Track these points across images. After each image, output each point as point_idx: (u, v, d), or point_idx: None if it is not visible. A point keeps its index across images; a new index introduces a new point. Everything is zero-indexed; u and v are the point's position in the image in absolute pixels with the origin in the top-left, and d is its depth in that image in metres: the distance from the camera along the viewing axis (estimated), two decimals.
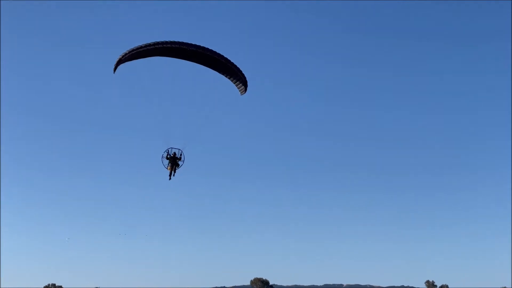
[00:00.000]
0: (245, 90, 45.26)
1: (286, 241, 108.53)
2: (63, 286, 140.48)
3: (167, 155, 44.03)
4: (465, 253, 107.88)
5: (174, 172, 44.19)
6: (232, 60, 43.48)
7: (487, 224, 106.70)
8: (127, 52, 40.31)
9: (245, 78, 44.29)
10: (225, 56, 42.91)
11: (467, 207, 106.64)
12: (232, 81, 45.09)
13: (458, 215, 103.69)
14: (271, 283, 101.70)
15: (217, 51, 42.55)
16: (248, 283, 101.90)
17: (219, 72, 44.29)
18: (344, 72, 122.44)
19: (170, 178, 44.29)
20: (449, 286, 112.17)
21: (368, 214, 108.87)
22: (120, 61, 40.42)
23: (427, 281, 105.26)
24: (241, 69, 44.16)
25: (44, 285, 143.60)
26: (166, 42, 40.88)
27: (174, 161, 44.01)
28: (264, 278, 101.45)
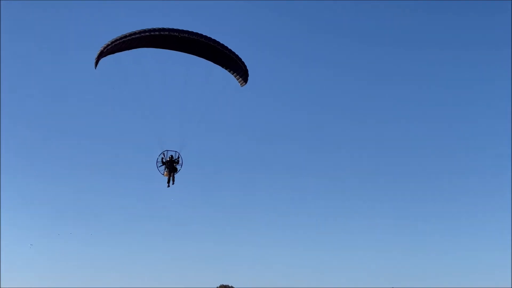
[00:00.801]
0: (246, 80, 40.06)
1: (253, 247, 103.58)
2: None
3: (162, 159, 38.73)
4: (466, 255, 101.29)
5: (173, 178, 38.86)
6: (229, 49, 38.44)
7: (487, 226, 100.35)
8: (109, 43, 35.11)
9: (245, 66, 39.10)
10: (221, 42, 37.82)
11: (467, 209, 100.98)
12: (230, 71, 39.90)
13: (458, 217, 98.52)
14: None
15: (212, 37, 37.47)
16: None
17: (215, 61, 39.10)
18: (343, 76, 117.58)
19: (168, 185, 38.97)
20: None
21: (339, 219, 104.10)
22: (102, 54, 35.20)
23: None
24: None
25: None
26: (154, 30, 35.70)
27: (171, 166, 38.71)
28: (230, 285, 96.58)
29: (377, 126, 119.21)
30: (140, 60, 37.41)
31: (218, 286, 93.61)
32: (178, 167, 38.93)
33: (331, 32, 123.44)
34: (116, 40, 35.04)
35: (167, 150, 38.61)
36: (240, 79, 40.08)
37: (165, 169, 38.77)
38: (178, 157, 38.86)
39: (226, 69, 39.53)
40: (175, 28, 36.39)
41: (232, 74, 39.96)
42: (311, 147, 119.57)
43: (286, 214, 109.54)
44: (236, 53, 38.45)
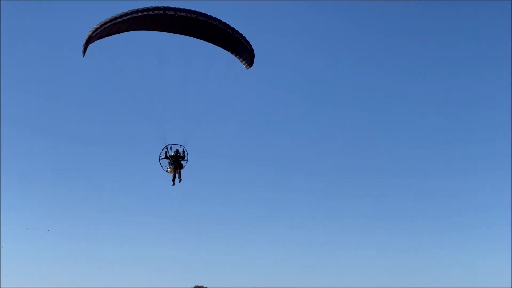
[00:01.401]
0: (252, 62, 36.26)
1: (229, 247, 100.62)
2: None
3: (166, 153, 34.75)
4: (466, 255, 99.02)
5: (180, 176, 34.89)
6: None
7: (487, 225, 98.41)
8: (98, 26, 31.20)
9: (250, 46, 35.28)
10: (222, 20, 34.00)
11: (467, 208, 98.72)
12: (233, 53, 36.09)
13: (457, 217, 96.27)
14: None
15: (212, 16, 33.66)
16: None
17: (217, 42, 35.29)
18: (344, 72, 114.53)
19: (173, 184, 35.01)
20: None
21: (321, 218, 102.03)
22: (91, 39, 31.22)
23: None
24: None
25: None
26: (147, 9, 31.87)
27: (176, 161, 34.76)
28: (205, 286, 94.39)
29: (375, 123, 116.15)
30: (134, 45, 33.55)
31: (193, 287, 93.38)
32: (183, 162, 35.02)
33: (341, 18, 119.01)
34: (106, 22, 31.15)
35: (171, 144, 34.71)
36: (244, 61, 36.30)
37: (169, 166, 34.83)
38: (184, 151, 34.95)
39: (228, 50, 35.72)
40: (170, 6, 32.59)
41: (236, 56, 36.17)
42: (316, 142, 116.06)
43: (271, 212, 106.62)
44: (240, 31, 34.71)
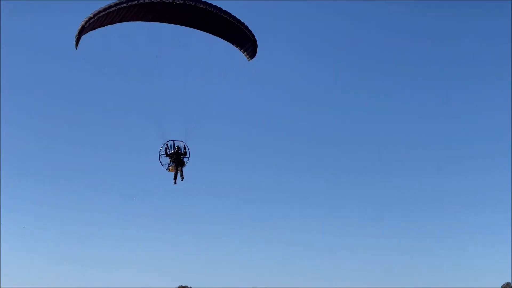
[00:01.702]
0: (254, 53, 34.42)
1: (213, 247, 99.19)
2: None
3: (166, 150, 32.85)
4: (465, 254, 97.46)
5: (182, 174, 32.96)
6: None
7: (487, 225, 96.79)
8: (91, 16, 29.40)
9: (253, 36, 33.45)
10: (223, 9, 32.22)
11: (466, 209, 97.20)
12: (235, 44, 34.27)
13: (458, 217, 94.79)
14: None
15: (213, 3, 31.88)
16: None
17: (218, 33, 33.50)
18: (344, 72, 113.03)
19: (175, 182, 33.09)
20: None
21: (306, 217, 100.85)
22: (84, 30, 29.42)
23: None
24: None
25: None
26: None
27: (178, 159, 32.83)
28: (189, 286, 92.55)
29: (375, 124, 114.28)
30: (130, 37, 31.80)
31: (177, 286, 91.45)
32: (185, 159, 33.12)
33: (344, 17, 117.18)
34: (99, 12, 29.37)
35: (171, 140, 32.83)
36: (246, 52, 34.46)
37: (170, 163, 32.92)
38: (185, 148, 33.05)
39: (229, 41, 33.90)
40: None
41: (237, 47, 34.34)
42: (314, 142, 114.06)
43: (271, 212, 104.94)
44: (242, 20, 32.89)
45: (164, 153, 32.74)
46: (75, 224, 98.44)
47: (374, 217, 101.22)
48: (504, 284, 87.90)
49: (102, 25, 30.35)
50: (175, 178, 32.92)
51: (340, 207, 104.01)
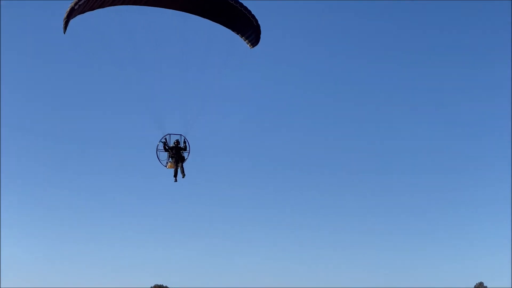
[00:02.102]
0: (257, 40, 32.03)
1: (188, 246, 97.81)
2: None
3: (165, 144, 30.17)
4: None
5: (182, 170, 30.27)
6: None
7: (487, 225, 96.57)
8: None
9: (257, 21, 31.05)
10: None
11: (467, 208, 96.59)
12: (235, 30, 31.88)
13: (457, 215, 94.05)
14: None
15: None
16: None
17: (217, 18, 31.11)
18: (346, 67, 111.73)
19: (176, 180, 30.40)
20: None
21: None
22: (72, 12, 26.78)
23: None
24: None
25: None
26: None
27: (177, 154, 30.18)
28: (164, 285, 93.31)
29: (375, 126, 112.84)
30: (124, 23, 29.24)
31: (152, 285, 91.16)
32: (185, 155, 30.48)
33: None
34: None
35: (170, 134, 30.18)
36: (248, 40, 32.06)
37: (168, 159, 30.24)
38: (185, 142, 30.42)
39: (230, 27, 31.51)
40: None
41: (238, 34, 31.94)
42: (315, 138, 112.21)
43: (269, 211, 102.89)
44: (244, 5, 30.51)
45: (162, 148, 30.07)
46: (65, 224, 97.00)
47: (371, 216, 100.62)
48: (476, 284, 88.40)
49: (92, 8, 27.77)
50: (175, 175, 30.24)
51: (340, 206, 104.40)
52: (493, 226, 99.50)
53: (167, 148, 30.06)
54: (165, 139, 30.00)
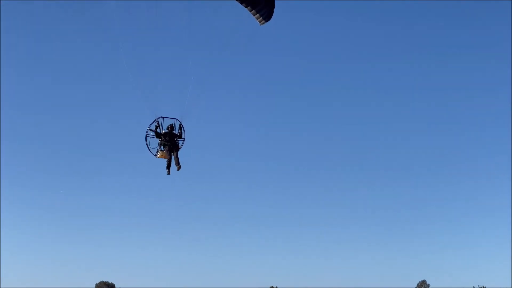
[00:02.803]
0: (270, 15, 27.32)
1: (134, 242, 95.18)
2: None
3: (157, 128, 24.92)
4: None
5: (177, 160, 24.98)
6: None
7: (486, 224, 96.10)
8: None
9: None
10: None
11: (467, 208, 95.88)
12: (244, 4, 27.16)
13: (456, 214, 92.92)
14: (117, 286, 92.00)
15: None
16: (93, 286, 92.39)
17: None
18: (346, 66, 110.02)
19: (169, 172, 25.08)
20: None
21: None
22: None
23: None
24: None
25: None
26: None
27: (171, 141, 24.93)
28: (110, 282, 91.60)
29: (375, 123, 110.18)
30: None
31: (97, 282, 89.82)
32: (179, 142, 25.28)
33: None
34: None
35: (163, 117, 24.98)
36: (258, 14, 27.33)
37: (159, 147, 25.00)
38: (180, 128, 25.23)
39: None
40: None
41: (247, 7, 27.21)
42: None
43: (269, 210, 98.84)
44: None
45: (154, 133, 24.83)
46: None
47: (379, 216, 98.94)
48: (419, 282, 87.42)
49: None
50: (168, 167, 24.96)
51: (338, 205, 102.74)
52: (437, 225, 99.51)
53: (159, 133, 24.81)
54: (158, 122, 24.79)
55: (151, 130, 24.85)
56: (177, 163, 24.61)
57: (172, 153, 24.77)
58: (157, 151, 25.00)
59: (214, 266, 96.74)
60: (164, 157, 24.93)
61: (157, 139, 24.88)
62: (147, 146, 24.90)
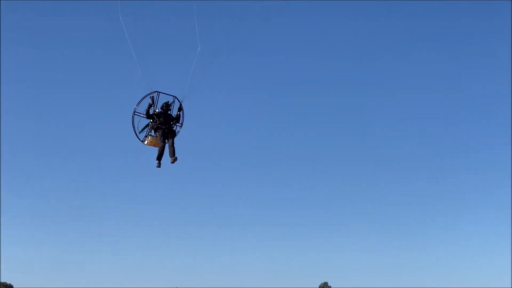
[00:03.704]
0: None
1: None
2: None
3: (150, 107, 18.81)
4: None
5: (172, 150, 18.79)
6: None
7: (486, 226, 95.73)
8: None
9: None
10: None
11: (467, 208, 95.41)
12: None
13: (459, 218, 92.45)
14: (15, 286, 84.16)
15: None
16: None
17: None
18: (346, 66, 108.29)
19: (159, 165, 18.83)
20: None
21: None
22: None
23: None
24: None
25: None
26: None
27: (166, 123, 18.86)
28: (8, 283, 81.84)
29: (374, 130, 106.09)
30: None
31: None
32: (177, 127, 19.23)
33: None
34: None
35: (158, 92, 18.90)
36: None
37: (149, 131, 18.91)
38: (180, 110, 19.22)
39: None
40: None
41: None
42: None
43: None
44: None
45: (145, 112, 18.70)
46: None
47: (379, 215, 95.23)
48: (321, 284, 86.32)
49: None
50: (159, 158, 18.70)
51: (337, 204, 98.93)
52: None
53: (150, 113, 18.71)
54: (152, 98, 18.70)
55: (139, 114, 18.77)
56: (173, 153, 18.44)
57: (166, 140, 18.69)
58: (146, 135, 18.89)
59: (213, 266, 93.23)
60: (155, 145, 18.83)
61: (147, 121, 18.77)
62: (134, 129, 18.77)
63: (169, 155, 18.46)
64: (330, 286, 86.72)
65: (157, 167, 18.59)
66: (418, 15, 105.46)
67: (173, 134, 18.81)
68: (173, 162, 18.23)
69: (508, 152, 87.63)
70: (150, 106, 18.63)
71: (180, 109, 19.17)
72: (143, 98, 18.57)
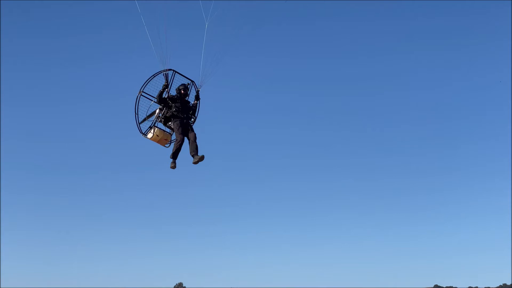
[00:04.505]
0: None
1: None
2: None
3: (165, 89, 13.91)
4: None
5: (195, 146, 13.75)
6: None
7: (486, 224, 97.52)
8: None
9: None
10: None
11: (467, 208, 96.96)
12: None
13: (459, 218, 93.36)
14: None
15: None
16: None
17: None
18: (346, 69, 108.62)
19: (174, 165, 13.67)
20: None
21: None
22: None
23: None
24: None
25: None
26: None
27: (184, 112, 14.05)
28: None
29: (375, 128, 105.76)
30: None
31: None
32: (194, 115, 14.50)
33: None
34: None
35: (174, 71, 14.12)
36: None
37: (157, 119, 14.03)
38: (197, 99, 14.54)
39: None
40: None
41: None
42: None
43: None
44: None
45: (158, 94, 13.79)
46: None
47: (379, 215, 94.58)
48: (176, 284, 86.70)
49: None
50: (174, 156, 13.58)
51: (338, 204, 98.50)
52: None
53: (164, 96, 13.85)
54: (166, 76, 13.87)
55: (146, 96, 13.97)
56: (196, 150, 13.37)
57: (189, 135, 13.73)
58: (151, 127, 13.94)
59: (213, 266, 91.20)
60: (160, 141, 13.88)
61: (156, 107, 13.88)
62: (136, 116, 13.75)
63: (191, 153, 13.51)
64: (184, 287, 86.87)
65: (171, 167, 13.52)
66: (418, 15, 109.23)
67: (191, 127, 14.00)
68: (196, 162, 13.26)
69: (508, 152, 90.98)
70: (165, 87, 13.77)
71: (197, 97, 14.52)
72: (153, 76, 13.68)
